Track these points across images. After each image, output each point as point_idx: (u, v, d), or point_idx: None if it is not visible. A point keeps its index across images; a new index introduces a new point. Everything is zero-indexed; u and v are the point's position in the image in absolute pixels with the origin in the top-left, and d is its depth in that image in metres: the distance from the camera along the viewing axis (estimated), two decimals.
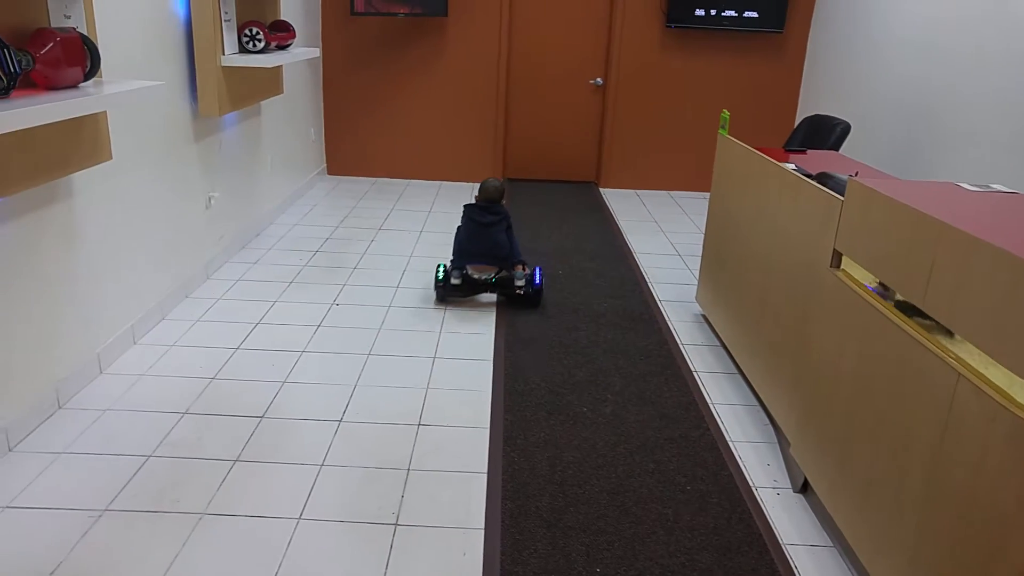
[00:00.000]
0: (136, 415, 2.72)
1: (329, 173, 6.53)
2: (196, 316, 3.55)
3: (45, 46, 2.26)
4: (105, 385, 2.90)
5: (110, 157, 2.78)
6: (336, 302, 3.81)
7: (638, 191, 6.52)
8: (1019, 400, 1.47)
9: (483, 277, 3.80)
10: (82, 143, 2.62)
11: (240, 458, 2.49)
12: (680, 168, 6.42)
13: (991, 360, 1.55)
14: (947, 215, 1.77)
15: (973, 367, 1.61)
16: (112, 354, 3.07)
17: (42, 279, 2.62)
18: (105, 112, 2.72)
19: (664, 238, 5.21)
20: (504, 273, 3.83)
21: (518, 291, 3.82)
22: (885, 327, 1.93)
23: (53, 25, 2.44)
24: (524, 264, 3.98)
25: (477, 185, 6.50)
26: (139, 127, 3.23)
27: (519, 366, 3.24)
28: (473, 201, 3.95)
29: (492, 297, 3.99)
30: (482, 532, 2.21)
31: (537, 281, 3.86)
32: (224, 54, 3.73)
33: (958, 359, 1.66)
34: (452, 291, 3.86)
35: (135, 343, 3.25)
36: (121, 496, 2.27)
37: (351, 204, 5.67)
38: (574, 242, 5.01)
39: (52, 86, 2.33)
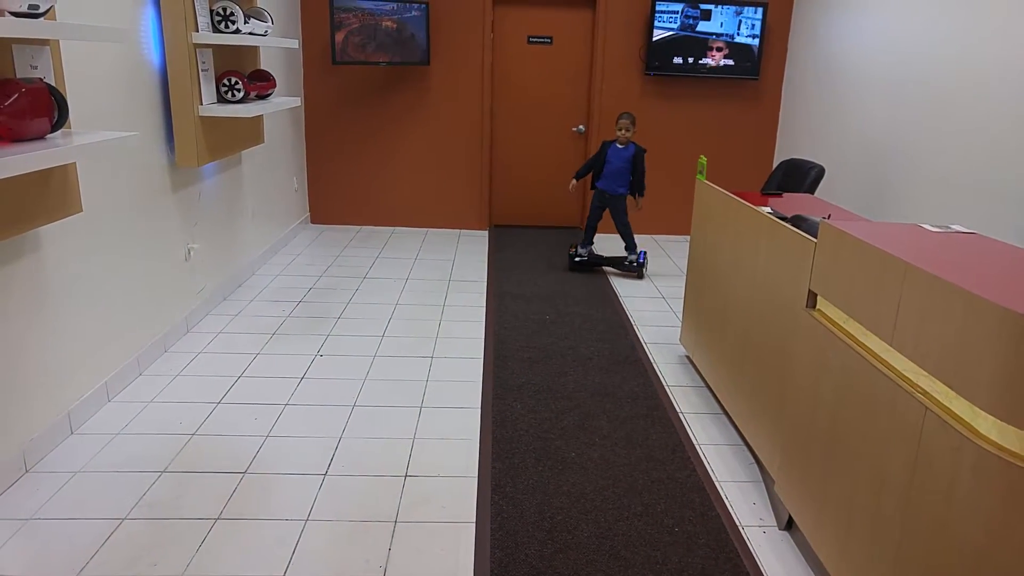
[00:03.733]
0: (110, 476, 2.66)
1: (312, 222, 6.57)
2: (175, 371, 3.53)
3: (9, 97, 2.22)
4: (76, 446, 2.84)
5: (80, 209, 2.77)
6: (320, 353, 3.80)
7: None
8: (982, 432, 1.50)
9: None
10: (50, 195, 2.60)
11: (222, 516, 2.46)
12: (662, 212, 6.52)
13: (955, 394, 1.58)
14: (911, 255, 1.82)
15: (939, 401, 1.64)
16: (84, 413, 3.01)
17: (8, 335, 2.57)
18: (74, 163, 2.71)
19: (648, 281, 5.27)
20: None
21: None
22: (858, 365, 1.96)
23: (19, 75, 2.41)
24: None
25: (463, 232, 6.56)
26: (113, 178, 3.23)
27: (507, 413, 3.24)
28: None
29: (479, 351, 4.00)
30: None
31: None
32: (202, 104, 3.74)
33: (925, 393, 1.69)
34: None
35: (109, 400, 3.20)
36: (92, 563, 2.21)
37: (335, 253, 5.70)
38: (560, 287, 5.05)
39: (17, 138, 2.30)
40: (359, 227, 6.56)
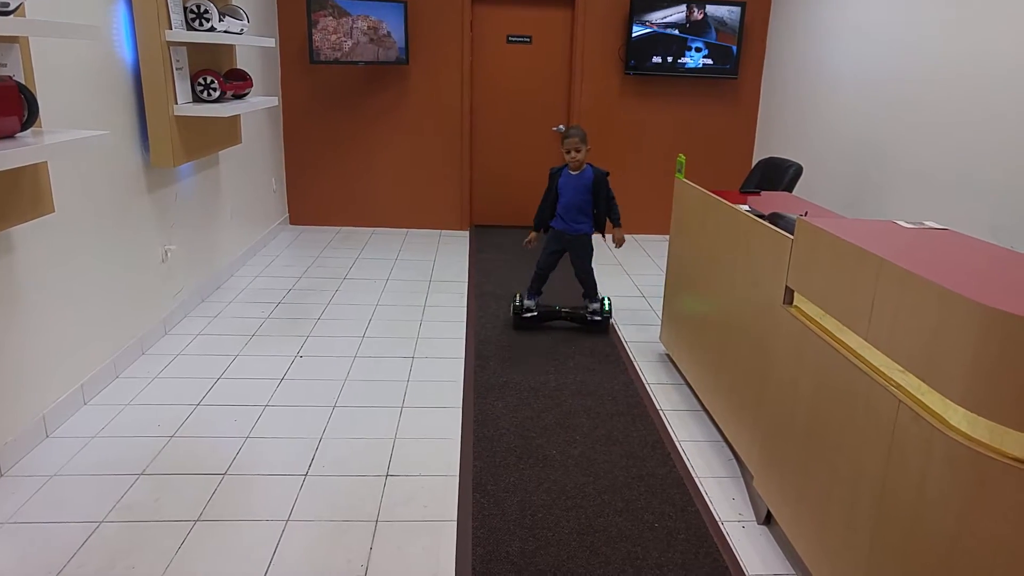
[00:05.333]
0: (86, 479, 2.63)
1: (292, 223, 6.53)
2: (153, 373, 3.49)
3: None
4: (52, 449, 2.81)
5: (52, 210, 2.74)
6: (300, 354, 3.78)
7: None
8: (953, 424, 1.53)
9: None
10: (21, 196, 2.56)
11: (201, 518, 2.44)
12: (642, 211, 6.55)
13: (928, 387, 1.61)
14: (885, 251, 1.85)
15: (912, 394, 1.67)
16: (60, 416, 2.98)
17: None
18: (46, 163, 2.68)
19: (628, 280, 5.30)
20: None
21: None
22: (834, 360, 1.99)
23: None
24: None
25: (443, 233, 6.55)
26: (86, 178, 3.19)
27: (488, 412, 3.24)
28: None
29: (460, 351, 4.00)
30: None
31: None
32: (177, 103, 3.69)
33: (898, 387, 1.72)
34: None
35: (86, 403, 3.16)
36: (70, 566, 2.19)
37: (315, 254, 5.67)
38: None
39: None
40: (339, 228, 6.53)
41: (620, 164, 6.51)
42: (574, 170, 4.04)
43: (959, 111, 3.67)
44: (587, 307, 4.22)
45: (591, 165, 4.06)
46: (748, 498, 2.66)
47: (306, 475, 2.71)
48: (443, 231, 6.57)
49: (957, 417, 1.53)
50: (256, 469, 2.73)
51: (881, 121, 4.38)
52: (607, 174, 4.06)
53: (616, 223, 4.16)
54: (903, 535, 1.68)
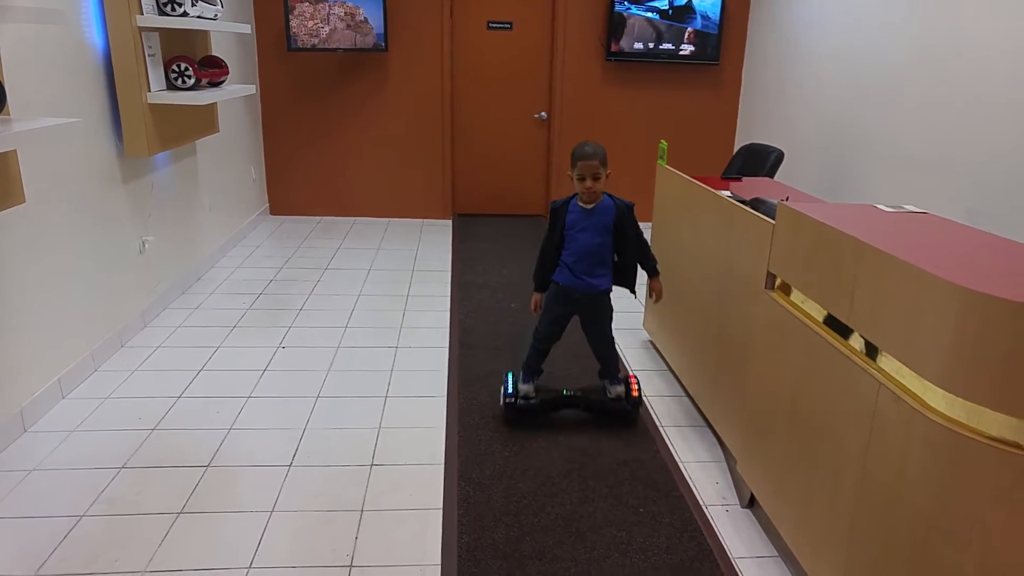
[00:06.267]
0: (66, 474, 2.60)
1: (272, 213, 6.47)
2: (133, 366, 3.45)
3: None
4: (30, 443, 2.77)
5: (23, 200, 2.68)
6: (282, 345, 3.75)
7: None
8: (932, 405, 1.55)
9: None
10: None
11: (184, 510, 2.42)
12: (624, 198, 6.55)
13: (909, 369, 1.63)
14: (865, 235, 1.86)
15: (892, 376, 1.69)
16: (37, 410, 2.93)
17: None
18: (15, 152, 2.62)
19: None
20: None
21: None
22: (816, 343, 2.01)
23: None
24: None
25: (426, 222, 6.52)
26: (59, 168, 3.13)
27: (473, 401, 3.24)
28: None
29: (444, 340, 3.99)
30: (439, 568, 2.19)
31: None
32: (150, 90, 3.62)
33: (879, 369, 1.74)
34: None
35: (64, 397, 3.12)
36: (51, 561, 2.16)
37: (296, 244, 5.62)
38: (525, 276, 5.04)
39: None
40: (320, 218, 6.47)
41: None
42: (588, 203, 2.84)
43: (938, 96, 3.70)
44: (608, 389, 3.06)
45: (608, 194, 2.88)
46: (732, 482, 2.69)
47: (290, 466, 2.69)
48: (425, 220, 6.55)
49: (936, 398, 1.55)
50: (239, 461, 2.72)
51: (861, 107, 4.41)
52: (632, 206, 2.90)
53: (652, 273, 3.00)
54: (883, 516, 1.70)
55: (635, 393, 3.05)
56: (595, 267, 2.88)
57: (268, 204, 6.44)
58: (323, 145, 6.34)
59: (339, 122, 6.28)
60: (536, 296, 3.02)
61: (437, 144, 6.41)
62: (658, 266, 3.01)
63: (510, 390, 3.04)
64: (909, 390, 1.63)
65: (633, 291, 3.02)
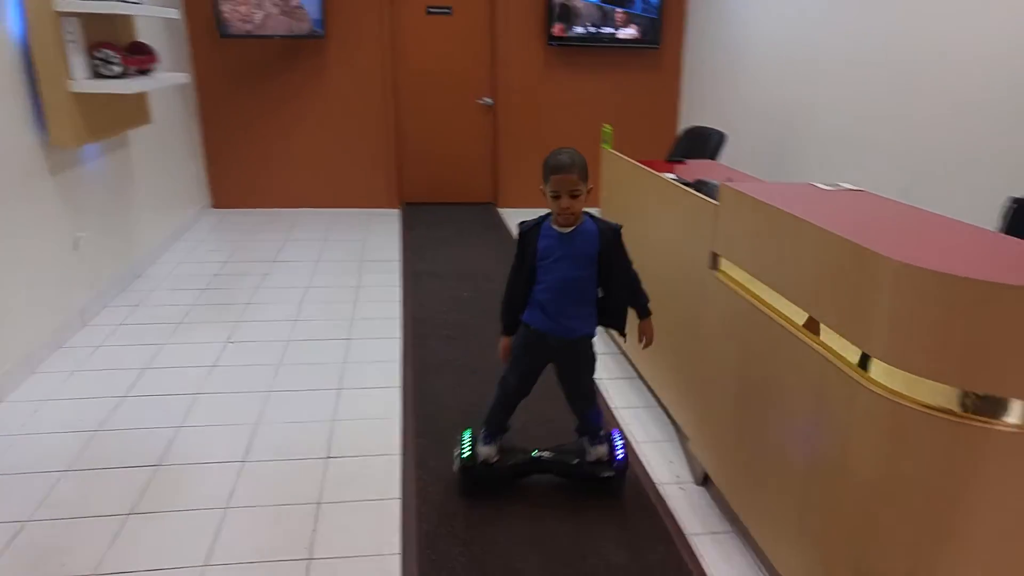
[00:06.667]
0: (7, 479, 2.50)
1: (214, 207, 6.30)
2: (72, 367, 3.33)
3: None
4: None
5: None
6: (230, 340, 3.67)
7: (536, 209, 6.65)
8: (872, 376, 1.62)
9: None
10: None
11: (134, 511, 2.36)
12: None
13: (849, 342, 1.70)
14: (804, 212, 1.92)
15: (836, 351, 1.76)
16: None
17: None
18: None
19: None
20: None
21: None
22: (760, 321, 2.07)
23: None
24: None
25: (373, 212, 6.43)
26: None
27: (429, 391, 3.23)
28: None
29: (397, 330, 3.96)
30: (399, 557, 2.19)
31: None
32: (73, 79, 3.46)
33: (823, 345, 1.80)
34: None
35: (0, 402, 3.00)
36: None
37: (240, 238, 5.49)
38: (476, 264, 5.05)
39: None
40: (264, 210, 6.33)
41: (549, 136, 6.52)
42: (565, 227, 2.28)
43: (875, 78, 3.82)
44: (588, 450, 2.53)
45: (591, 216, 2.33)
46: (685, 460, 2.76)
47: (244, 461, 2.65)
48: (373, 210, 6.47)
49: (877, 371, 1.61)
50: (190, 459, 2.66)
51: (800, 89, 4.53)
52: (619, 229, 2.33)
53: (644, 313, 2.45)
54: (831, 486, 1.77)
55: (619, 454, 2.49)
56: (574, 306, 2.32)
57: (210, 197, 6.26)
58: (264, 136, 6.18)
59: (279, 112, 6.14)
60: (504, 341, 2.45)
61: (381, 132, 6.33)
62: (649, 304, 2.44)
63: (467, 451, 2.50)
64: (851, 363, 1.69)
65: (623, 334, 2.44)
